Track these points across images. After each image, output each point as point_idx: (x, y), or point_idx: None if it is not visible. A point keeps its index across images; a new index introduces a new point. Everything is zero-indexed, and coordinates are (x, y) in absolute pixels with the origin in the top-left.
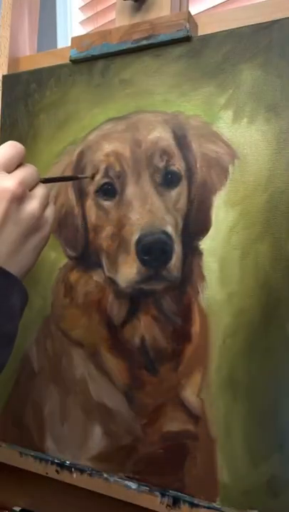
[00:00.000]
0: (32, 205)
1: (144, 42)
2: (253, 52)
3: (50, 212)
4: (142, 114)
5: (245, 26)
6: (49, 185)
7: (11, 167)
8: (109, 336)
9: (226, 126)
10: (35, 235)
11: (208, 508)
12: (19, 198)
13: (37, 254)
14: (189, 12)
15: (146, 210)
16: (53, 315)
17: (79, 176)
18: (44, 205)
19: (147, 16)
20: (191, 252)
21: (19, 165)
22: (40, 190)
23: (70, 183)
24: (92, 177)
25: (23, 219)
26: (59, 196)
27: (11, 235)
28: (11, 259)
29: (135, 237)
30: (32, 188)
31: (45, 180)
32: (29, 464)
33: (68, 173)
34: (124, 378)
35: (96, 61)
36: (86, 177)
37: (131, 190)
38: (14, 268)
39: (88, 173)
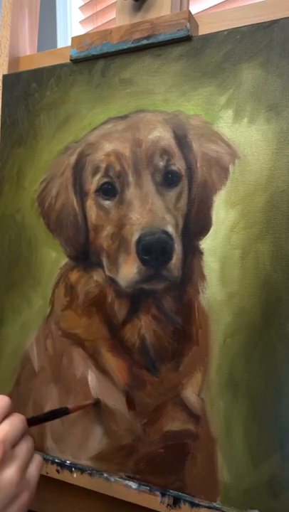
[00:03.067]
0: (11, 470)
1: (145, 41)
2: (254, 51)
3: (33, 470)
4: (142, 114)
5: (245, 26)
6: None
7: None
8: (109, 336)
9: (226, 125)
10: (12, 505)
11: (209, 507)
12: None
13: None
14: (190, 11)
15: (147, 209)
16: (53, 315)
17: (58, 410)
18: (26, 465)
19: (148, 16)
20: (192, 251)
21: (5, 416)
22: (23, 448)
23: (70, 181)
24: (68, 412)
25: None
26: (59, 196)
27: None
28: None
29: (135, 236)
30: (16, 443)
31: (32, 422)
32: None
33: (68, 172)
34: (125, 378)
35: (96, 61)
36: (67, 413)
37: (131, 190)
38: None
39: (89, 172)
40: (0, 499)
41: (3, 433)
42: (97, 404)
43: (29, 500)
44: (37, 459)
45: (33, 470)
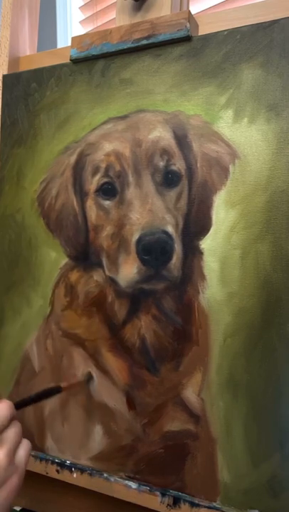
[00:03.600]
0: None
1: (145, 41)
2: (254, 51)
3: (22, 454)
4: (142, 114)
5: (245, 26)
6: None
7: None
8: (109, 336)
9: (226, 125)
10: (1, 489)
11: (209, 507)
12: None
13: (4, 510)
14: (190, 11)
15: (147, 209)
16: (53, 315)
17: (50, 389)
18: (14, 449)
19: (148, 16)
20: (192, 251)
21: None
22: (10, 433)
23: (70, 181)
24: (61, 390)
25: None
26: (59, 196)
27: None
28: None
29: (135, 236)
30: (3, 428)
31: (22, 405)
32: (29, 463)
33: (68, 172)
34: (125, 378)
35: (96, 61)
36: (60, 391)
37: (131, 190)
38: None
39: (89, 172)
40: None
41: None
42: (89, 380)
43: (18, 485)
44: (25, 443)
45: (21, 454)
